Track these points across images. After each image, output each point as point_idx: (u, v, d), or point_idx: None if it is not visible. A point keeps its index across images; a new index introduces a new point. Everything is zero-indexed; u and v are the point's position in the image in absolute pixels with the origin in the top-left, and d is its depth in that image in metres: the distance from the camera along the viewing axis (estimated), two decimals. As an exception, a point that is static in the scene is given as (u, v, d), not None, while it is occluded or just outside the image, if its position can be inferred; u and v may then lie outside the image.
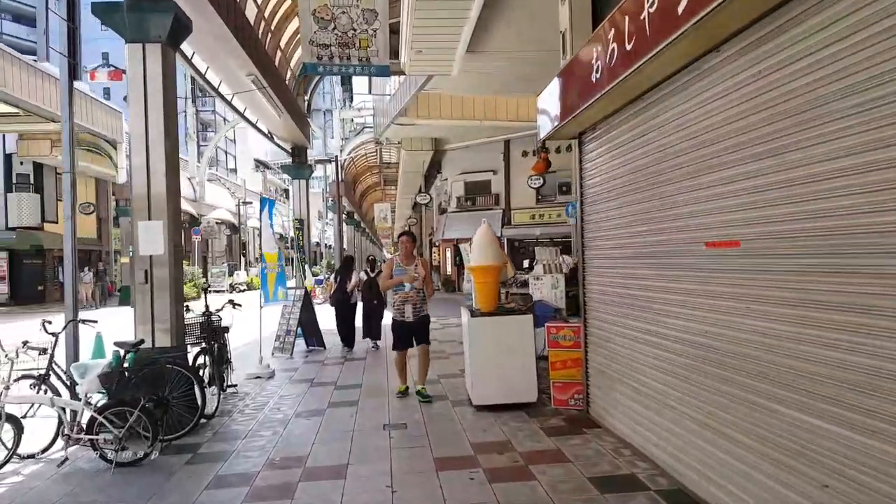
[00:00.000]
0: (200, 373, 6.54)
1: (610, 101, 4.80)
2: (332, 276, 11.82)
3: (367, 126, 27.95)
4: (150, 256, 5.98)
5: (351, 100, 32.36)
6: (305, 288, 10.99)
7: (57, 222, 27.64)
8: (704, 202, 3.74)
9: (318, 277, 27.70)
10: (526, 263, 26.81)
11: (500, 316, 6.42)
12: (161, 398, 5.44)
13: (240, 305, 7.10)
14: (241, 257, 40.94)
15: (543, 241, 26.87)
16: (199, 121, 54.65)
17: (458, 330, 13.23)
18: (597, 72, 4.55)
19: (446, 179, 29.73)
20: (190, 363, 6.38)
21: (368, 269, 11.18)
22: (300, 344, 11.24)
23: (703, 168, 3.74)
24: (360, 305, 11.27)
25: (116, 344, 5.45)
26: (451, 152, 28.62)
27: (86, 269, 25.59)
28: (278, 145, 15.05)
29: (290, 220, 68.35)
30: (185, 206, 30.08)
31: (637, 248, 4.75)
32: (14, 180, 24.67)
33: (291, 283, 14.95)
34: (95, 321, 5.63)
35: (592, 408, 6.08)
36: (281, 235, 54.93)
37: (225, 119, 58.83)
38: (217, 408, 6.56)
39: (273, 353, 10.61)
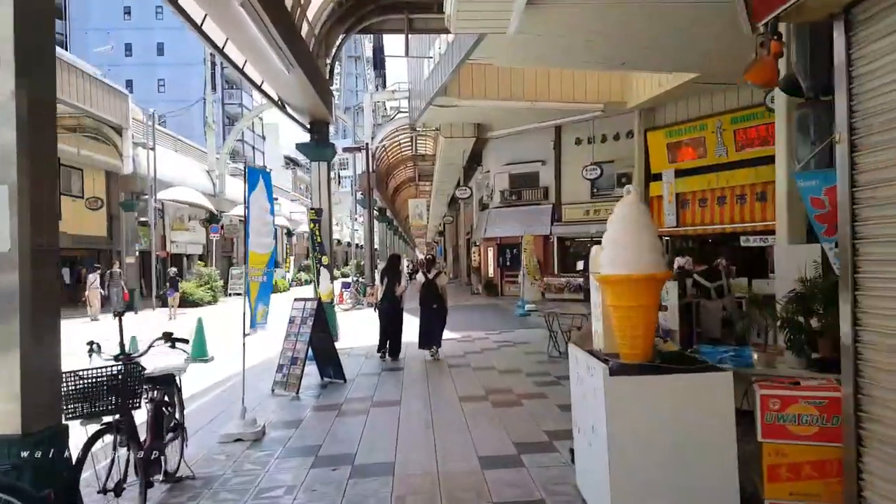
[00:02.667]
0: (110, 467, 3.56)
1: None
2: (379, 278, 10.36)
3: (402, 110, 25.03)
4: (-15, 254, 3.04)
5: (384, 85, 29.45)
6: (319, 299, 8.02)
7: (60, 218, 25.32)
8: None
9: (346, 281, 24.89)
10: (580, 266, 23.54)
11: (673, 373, 3.28)
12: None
13: (185, 342, 4.16)
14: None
15: (599, 241, 23.54)
16: (224, 114, 52.71)
17: (518, 352, 10.10)
18: None
19: (488, 172, 26.68)
20: (84, 451, 3.39)
21: (425, 270, 10.08)
22: (312, 374, 8.32)
23: None
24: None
25: None
26: (494, 141, 25.55)
27: (97, 271, 22.53)
28: (292, 117, 12.12)
29: (337, 221, 66.20)
30: (203, 201, 27.57)
31: None
32: (10, 171, 22.31)
33: (307, 292, 11.98)
34: None
35: (875, 571, 2.92)
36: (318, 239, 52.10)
37: (260, 118, 56.76)
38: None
39: (273, 391, 7.68)
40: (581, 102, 20.25)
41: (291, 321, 7.99)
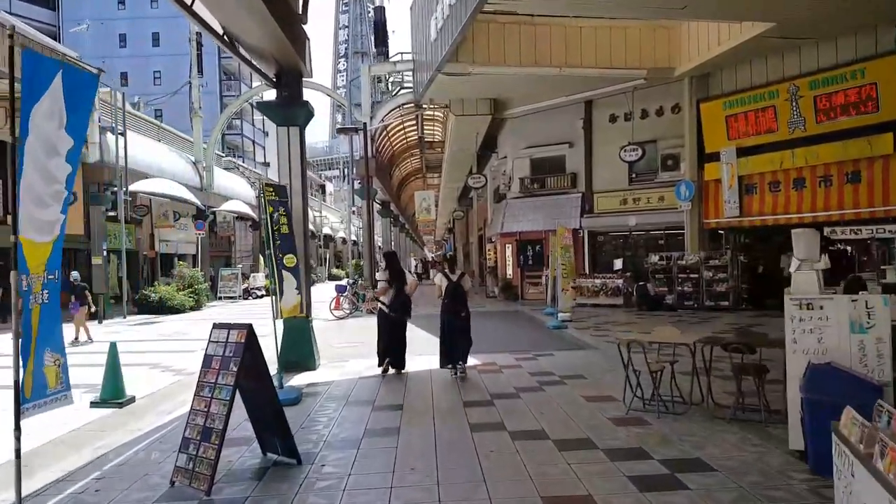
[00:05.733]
0: None
1: None
2: (386, 280, 8.58)
3: (406, 85, 21.79)
4: None
5: (386, 56, 26.20)
6: (250, 326, 4.72)
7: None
8: None
9: (341, 283, 21.66)
10: (618, 265, 20.09)
11: None
12: None
13: None
14: (262, 257, 35.25)
15: (638, 235, 20.16)
16: (222, 106, 49.70)
17: (574, 396, 6.43)
18: None
19: (505, 157, 23.34)
20: None
21: (447, 270, 8.46)
22: (249, 439, 5.09)
23: None
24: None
25: None
26: (512, 121, 22.22)
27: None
28: (251, 64, 8.87)
29: (342, 219, 62.39)
30: (185, 194, 24.45)
31: None
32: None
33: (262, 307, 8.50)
34: None
35: None
36: (313, 233, 48.44)
37: (252, 105, 53.67)
38: None
39: (173, 483, 4.46)
40: (619, 69, 16.81)
41: (206, 364, 4.74)
